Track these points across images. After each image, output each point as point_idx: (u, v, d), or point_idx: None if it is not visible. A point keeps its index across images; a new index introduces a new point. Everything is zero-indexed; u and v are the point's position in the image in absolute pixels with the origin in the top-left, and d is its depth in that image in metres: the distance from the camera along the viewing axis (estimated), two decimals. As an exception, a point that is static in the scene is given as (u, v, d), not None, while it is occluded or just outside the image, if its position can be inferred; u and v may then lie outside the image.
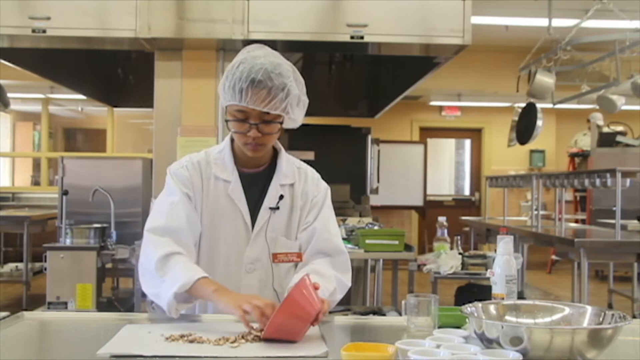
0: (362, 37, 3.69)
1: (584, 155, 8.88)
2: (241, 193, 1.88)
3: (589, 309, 1.50)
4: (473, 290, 4.99)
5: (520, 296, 4.66)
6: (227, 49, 3.85)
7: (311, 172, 2.00)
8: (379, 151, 6.73)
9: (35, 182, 10.08)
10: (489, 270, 1.78)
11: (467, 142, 10.73)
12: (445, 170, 10.90)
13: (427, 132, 10.29)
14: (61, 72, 5.33)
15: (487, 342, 1.36)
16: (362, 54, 4.92)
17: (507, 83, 6.91)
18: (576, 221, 8.54)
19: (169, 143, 3.83)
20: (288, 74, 1.79)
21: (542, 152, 10.23)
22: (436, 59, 4.19)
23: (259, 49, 1.84)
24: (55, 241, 4.38)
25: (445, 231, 4.16)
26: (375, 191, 6.61)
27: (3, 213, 6.43)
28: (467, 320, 1.60)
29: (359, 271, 4.75)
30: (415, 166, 8.70)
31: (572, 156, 9.24)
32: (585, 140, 9.05)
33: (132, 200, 4.88)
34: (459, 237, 4.36)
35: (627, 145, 8.01)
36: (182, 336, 1.52)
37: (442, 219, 4.16)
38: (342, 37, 3.70)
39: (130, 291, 4.78)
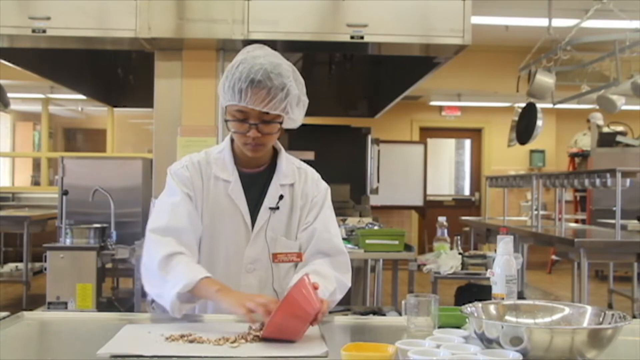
0: (362, 37, 3.69)
1: (584, 155, 8.88)
2: (241, 193, 1.89)
3: (589, 309, 1.50)
4: (473, 290, 4.99)
5: (520, 296, 4.66)
6: (227, 49, 3.85)
7: (311, 172, 2.00)
8: (379, 151, 6.73)
9: (35, 182, 10.08)
10: (489, 270, 1.78)
11: (467, 142, 10.73)
12: (445, 170, 10.89)
13: (427, 132, 10.29)
14: (61, 72, 5.34)
15: (487, 342, 1.36)
16: (362, 54, 4.93)
17: (507, 83, 6.91)
18: (576, 221, 8.54)
19: (169, 143, 3.83)
20: (288, 74, 1.79)
21: (542, 152, 10.23)
22: (436, 59, 4.19)
23: (258, 49, 1.84)
24: (55, 241, 4.38)
25: (445, 231, 4.17)
26: (375, 191, 6.61)
27: (3, 213, 6.43)
28: (467, 320, 1.60)
29: (359, 271, 4.75)
30: (415, 166, 8.70)
31: (572, 156, 9.24)
32: (585, 140, 9.05)
33: (132, 200, 4.88)
34: (459, 237, 4.36)
35: (627, 145, 8.01)
36: (182, 336, 1.52)
37: (442, 219, 4.16)
38: (342, 37, 3.70)
39: (130, 291, 4.79)
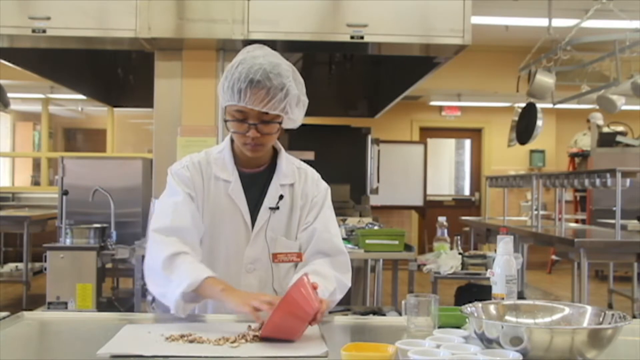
0: (362, 37, 3.69)
1: (584, 155, 8.88)
2: (241, 193, 1.89)
3: (589, 309, 1.50)
4: (473, 290, 4.99)
5: (520, 296, 4.66)
6: (227, 49, 3.85)
7: (311, 172, 2.00)
8: (379, 151, 6.74)
9: (35, 182, 10.08)
10: (489, 270, 1.78)
11: (467, 142, 10.73)
12: (445, 170, 10.89)
13: (427, 132, 10.29)
14: (61, 72, 5.34)
15: (487, 342, 1.36)
16: (362, 54, 4.93)
17: (507, 83, 6.91)
18: (576, 221, 8.54)
19: (169, 143, 3.83)
20: (287, 74, 1.79)
21: (542, 152, 10.23)
22: (436, 59, 4.19)
23: (258, 49, 1.84)
24: (55, 241, 4.37)
25: (445, 231, 4.17)
26: (375, 191, 6.61)
27: (3, 213, 6.43)
28: (467, 320, 1.60)
29: (359, 271, 4.76)
30: (415, 166, 8.70)
31: (572, 156, 9.24)
32: (585, 140, 9.05)
33: (132, 200, 4.88)
34: (459, 237, 4.37)
35: (627, 145, 8.01)
36: (182, 336, 1.52)
37: (442, 219, 4.16)
38: (342, 37, 3.70)
39: (130, 291, 4.78)
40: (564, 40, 5.73)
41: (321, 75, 5.72)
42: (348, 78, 5.98)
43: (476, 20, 4.18)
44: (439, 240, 4.16)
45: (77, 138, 11.40)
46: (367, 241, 3.89)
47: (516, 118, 6.66)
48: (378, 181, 6.70)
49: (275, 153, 1.96)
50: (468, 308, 1.48)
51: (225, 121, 1.85)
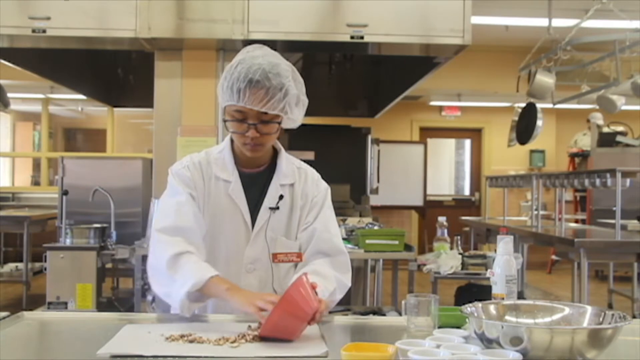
0: (362, 37, 3.69)
1: (584, 155, 8.88)
2: (241, 193, 1.89)
3: (589, 309, 1.50)
4: (473, 290, 4.99)
5: (520, 296, 4.66)
6: (227, 49, 3.85)
7: (311, 172, 2.00)
8: (379, 151, 6.74)
9: (35, 182, 10.08)
10: (489, 270, 1.78)
11: (467, 142, 10.74)
12: (445, 170, 10.90)
13: (427, 132, 10.29)
14: (61, 72, 5.34)
15: (487, 342, 1.36)
16: (362, 54, 4.93)
17: (507, 83, 6.91)
18: (576, 221, 8.54)
19: (169, 143, 3.84)
20: (286, 74, 1.79)
21: (542, 152, 10.23)
22: (436, 59, 4.19)
23: (258, 49, 1.84)
24: (55, 241, 4.38)
25: (445, 231, 4.17)
26: (375, 191, 6.61)
27: (3, 213, 6.43)
28: (467, 320, 1.60)
29: (359, 271, 4.76)
30: (415, 166, 8.70)
31: (572, 156, 9.24)
32: (585, 140, 9.06)
33: (132, 200, 4.88)
34: (459, 237, 4.37)
35: (627, 145, 8.01)
36: (182, 336, 1.52)
37: (442, 219, 4.16)
38: (342, 37, 3.70)
39: (130, 291, 4.78)
40: (564, 40, 5.73)
41: (321, 75, 5.72)
42: (348, 78, 5.98)
43: (476, 20, 4.18)
44: (439, 240, 4.16)
45: (77, 138, 11.40)
46: (367, 241, 3.89)
47: (516, 118, 6.66)
48: (378, 181, 6.70)
49: (275, 153, 1.96)
50: (468, 308, 1.48)
51: (225, 121, 1.85)
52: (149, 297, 3.69)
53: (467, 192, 10.74)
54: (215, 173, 1.90)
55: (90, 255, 4.17)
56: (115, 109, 8.57)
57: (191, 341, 1.50)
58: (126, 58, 5.26)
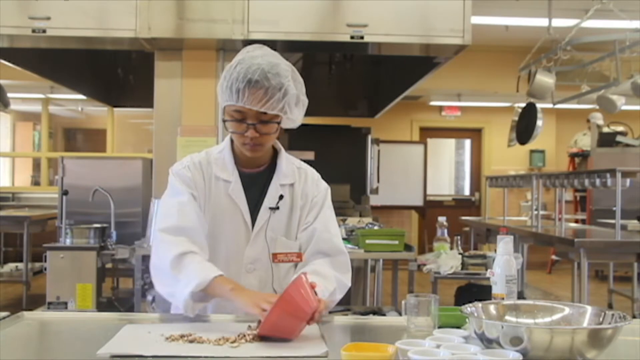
0: (362, 37, 3.69)
1: (584, 155, 8.88)
2: (241, 193, 1.89)
3: (589, 309, 1.50)
4: (473, 290, 4.99)
5: (520, 296, 4.66)
6: (227, 49, 3.85)
7: (311, 172, 2.00)
8: (379, 151, 6.74)
9: (35, 182, 10.08)
10: (489, 270, 1.78)
11: (467, 142, 10.74)
12: (445, 170, 10.90)
13: (427, 132, 10.29)
14: (61, 72, 5.34)
15: (487, 342, 1.36)
16: (362, 54, 4.93)
17: (507, 83, 6.91)
18: (576, 221, 8.54)
19: (169, 143, 3.84)
20: (286, 74, 1.79)
21: (542, 152, 10.24)
22: (436, 59, 4.19)
23: (258, 49, 1.84)
24: (55, 241, 4.38)
25: (445, 231, 4.17)
26: (375, 191, 6.61)
27: (3, 213, 6.44)
28: (467, 320, 1.60)
29: (359, 271, 4.76)
30: (415, 166, 8.70)
31: (572, 156, 9.24)
32: (585, 140, 9.06)
33: (132, 200, 4.88)
34: (459, 237, 4.37)
35: (627, 145, 8.01)
36: (182, 336, 1.52)
37: (442, 219, 4.16)
38: (342, 37, 3.70)
39: (130, 291, 4.78)
40: (564, 40, 5.73)
41: (321, 75, 5.72)
42: (348, 78, 5.98)
43: (476, 20, 4.18)
44: (439, 240, 4.16)
45: (77, 138, 11.40)
46: (367, 241, 3.89)
47: (516, 118, 6.66)
48: (378, 181, 6.70)
49: (275, 153, 1.96)
50: (468, 308, 1.48)
51: (224, 121, 1.84)
52: (149, 297, 3.70)
53: (467, 192, 10.74)
54: (216, 173, 1.90)
55: (90, 255, 4.17)
56: (115, 109, 8.58)
57: (191, 341, 1.50)
58: (126, 58, 5.26)
